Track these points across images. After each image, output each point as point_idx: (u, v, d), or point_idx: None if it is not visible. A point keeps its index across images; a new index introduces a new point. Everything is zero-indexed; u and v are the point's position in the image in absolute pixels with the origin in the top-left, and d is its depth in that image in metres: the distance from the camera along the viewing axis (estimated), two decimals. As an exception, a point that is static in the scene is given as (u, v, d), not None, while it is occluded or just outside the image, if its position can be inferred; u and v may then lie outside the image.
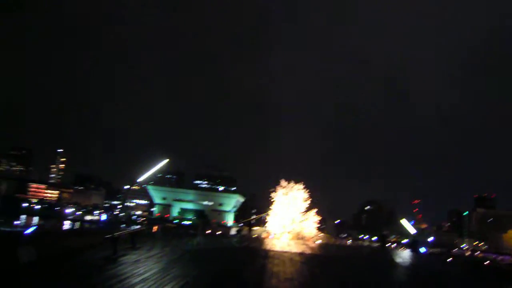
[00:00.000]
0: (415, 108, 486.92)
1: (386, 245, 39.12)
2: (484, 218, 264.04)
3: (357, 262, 19.66)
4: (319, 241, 42.59)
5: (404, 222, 59.10)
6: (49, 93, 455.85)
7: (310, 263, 16.57)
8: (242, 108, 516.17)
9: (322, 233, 46.91)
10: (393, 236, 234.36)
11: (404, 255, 27.20)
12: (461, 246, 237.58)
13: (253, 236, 44.59)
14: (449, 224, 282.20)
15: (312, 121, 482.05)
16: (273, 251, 19.66)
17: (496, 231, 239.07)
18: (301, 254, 19.31)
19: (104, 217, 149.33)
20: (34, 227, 66.79)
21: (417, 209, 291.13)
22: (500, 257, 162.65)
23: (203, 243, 23.39)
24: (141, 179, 25.78)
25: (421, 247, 40.62)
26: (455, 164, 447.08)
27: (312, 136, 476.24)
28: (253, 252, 19.33)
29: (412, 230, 51.01)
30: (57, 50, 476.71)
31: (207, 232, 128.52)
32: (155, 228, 68.05)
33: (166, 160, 25.25)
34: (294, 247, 22.34)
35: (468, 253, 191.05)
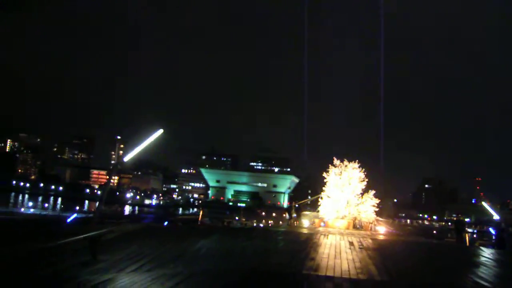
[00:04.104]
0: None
1: (464, 238, 29.85)
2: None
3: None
4: (379, 228, 34.46)
5: (485, 205, 48.31)
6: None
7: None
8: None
9: (380, 217, 38.82)
10: (454, 215, 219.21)
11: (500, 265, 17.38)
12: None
13: (302, 222, 36.93)
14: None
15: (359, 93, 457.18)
16: (303, 276, 11.17)
17: None
18: (356, 282, 10.63)
19: (154, 201, 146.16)
20: (75, 215, 62.42)
21: (479, 187, 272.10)
22: None
23: (206, 250, 15.43)
24: (129, 157, 18.77)
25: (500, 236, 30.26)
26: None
27: (363, 111, 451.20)
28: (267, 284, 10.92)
29: (495, 216, 40.07)
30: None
31: (260, 213, 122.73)
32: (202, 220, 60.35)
33: (160, 132, 18.21)
34: (345, 258, 13.69)
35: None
